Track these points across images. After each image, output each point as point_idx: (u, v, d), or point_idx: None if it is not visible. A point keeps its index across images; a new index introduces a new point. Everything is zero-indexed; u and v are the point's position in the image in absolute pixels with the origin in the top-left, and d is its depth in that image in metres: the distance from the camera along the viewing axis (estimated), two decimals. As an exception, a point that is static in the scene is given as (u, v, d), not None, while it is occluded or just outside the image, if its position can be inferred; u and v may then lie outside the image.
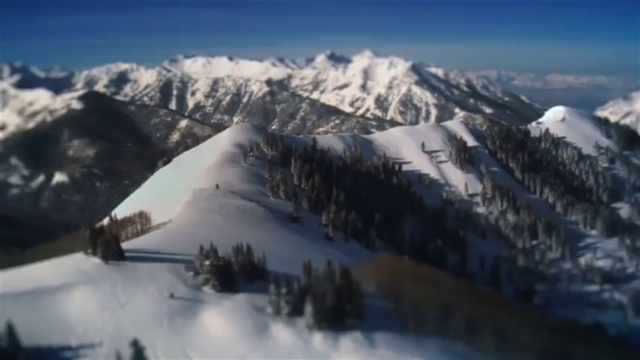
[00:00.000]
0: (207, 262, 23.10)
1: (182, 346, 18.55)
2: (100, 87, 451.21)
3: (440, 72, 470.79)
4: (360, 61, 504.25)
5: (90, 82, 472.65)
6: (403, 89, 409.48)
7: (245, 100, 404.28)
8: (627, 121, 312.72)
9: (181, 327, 19.78)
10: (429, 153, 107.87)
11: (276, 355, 18.29)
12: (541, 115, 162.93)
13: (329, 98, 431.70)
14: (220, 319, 20.37)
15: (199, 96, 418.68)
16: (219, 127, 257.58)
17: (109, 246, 25.09)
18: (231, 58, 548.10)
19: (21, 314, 18.51)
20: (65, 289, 21.46)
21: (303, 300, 19.99)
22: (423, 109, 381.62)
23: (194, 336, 19.34)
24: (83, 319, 19.47)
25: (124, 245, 27.72)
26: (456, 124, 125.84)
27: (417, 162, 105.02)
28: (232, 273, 23.60)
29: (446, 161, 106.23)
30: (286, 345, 18.84)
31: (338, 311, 20.24)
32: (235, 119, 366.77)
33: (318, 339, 19.12)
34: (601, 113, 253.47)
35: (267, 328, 19.77)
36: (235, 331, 19.63)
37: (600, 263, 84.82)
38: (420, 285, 25.82)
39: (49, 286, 21.61)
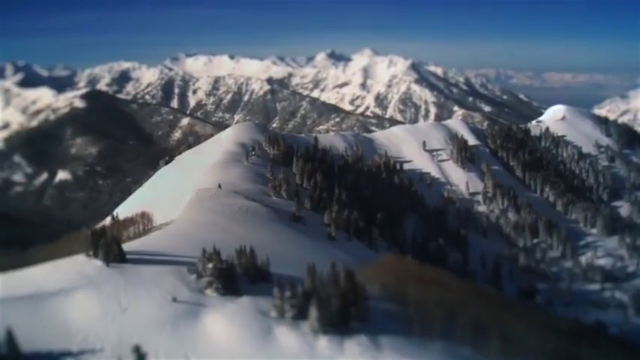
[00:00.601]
0: (210, 265, 22.79)
1: (185, 351, 18.31)
2: (102, 85, 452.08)
3: (439, 70, 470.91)
4: (360, 60, 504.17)
5: (92, 81, 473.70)
6: (403, 87, 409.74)
7: (246, 98, 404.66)
8: (624, 119, 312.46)
9: (184, 331, 19.53)
10: (430, 152, 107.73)
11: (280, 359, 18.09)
12: (539, 114, 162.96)
13: (329, 96, 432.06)
14: (224, 323, 20.12)
15: (201, 94, 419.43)
16: (220, 126, 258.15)
17: (110, 248, 24.68)
18: (232, 57, 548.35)
19: (20, 319, 18.24)
20: (66, 292, 21.12)
21: (308, 303, 19.74)
22: (423, 107, 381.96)
23: (197, 340, 19.10)
24: (84, 323, 19.18)
25: (126, 247, 27.38)
26: (456, 123, 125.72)
27: (418, 161, 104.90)
28: (235, 276, 23.29)
29: (447, 160, 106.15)
30: (291, 349, 18.62)
31: (343, 315, 20.00)
32: (236, 117, 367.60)
33: (323, 343, 18.89)
34: (598, 111, 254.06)
35: (271, 332, 19.53)
36: (239, 335, 19.39)
37: (601, 262, 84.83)
38: (424, 286, 25.56)
39: (50, 290, 21.27)
